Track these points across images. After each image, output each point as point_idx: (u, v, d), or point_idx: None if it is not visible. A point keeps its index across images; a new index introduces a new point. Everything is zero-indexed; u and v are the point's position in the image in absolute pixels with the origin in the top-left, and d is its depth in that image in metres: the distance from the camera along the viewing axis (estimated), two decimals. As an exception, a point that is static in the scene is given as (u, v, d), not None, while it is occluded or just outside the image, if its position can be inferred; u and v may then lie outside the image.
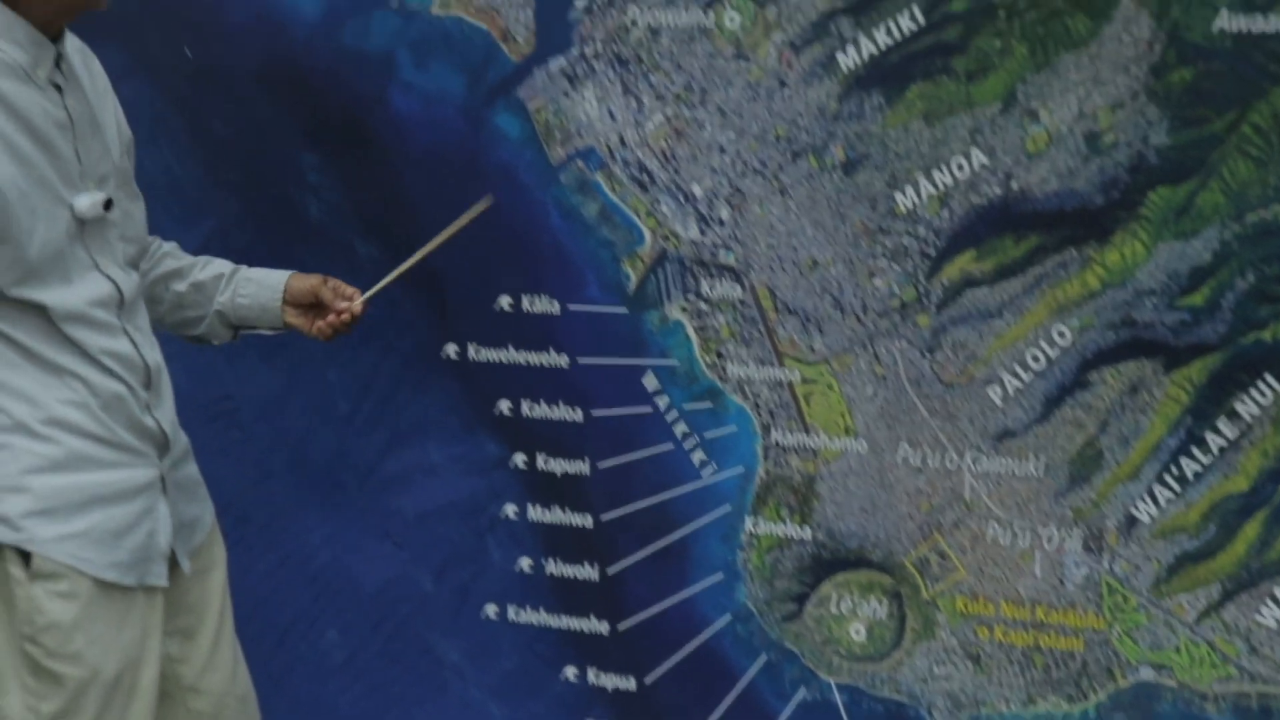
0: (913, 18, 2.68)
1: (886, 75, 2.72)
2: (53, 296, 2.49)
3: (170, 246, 2.87)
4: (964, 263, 2.75)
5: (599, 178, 2.93)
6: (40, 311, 2.49)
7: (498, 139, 2.98)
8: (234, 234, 3.17)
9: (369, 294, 2.79)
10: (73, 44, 2.63)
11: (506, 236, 3.00)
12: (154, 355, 2.67)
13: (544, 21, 2.91)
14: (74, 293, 2.52)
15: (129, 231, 2.69)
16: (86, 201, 2.54)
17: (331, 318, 2.81)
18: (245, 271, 2.85)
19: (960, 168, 2.71)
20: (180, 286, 2.83)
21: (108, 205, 2.58)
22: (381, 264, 3.04)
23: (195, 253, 3.08)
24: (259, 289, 2.84)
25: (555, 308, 3.01)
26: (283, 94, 3.08)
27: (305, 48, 3.02)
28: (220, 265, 2.86)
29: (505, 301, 3.05)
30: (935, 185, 2.73)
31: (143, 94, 3.03)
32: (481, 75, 2.96)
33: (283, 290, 2.83)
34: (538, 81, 2.93)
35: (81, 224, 2.54)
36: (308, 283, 2.82)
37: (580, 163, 2.94)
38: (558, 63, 2.91)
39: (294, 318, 2.84)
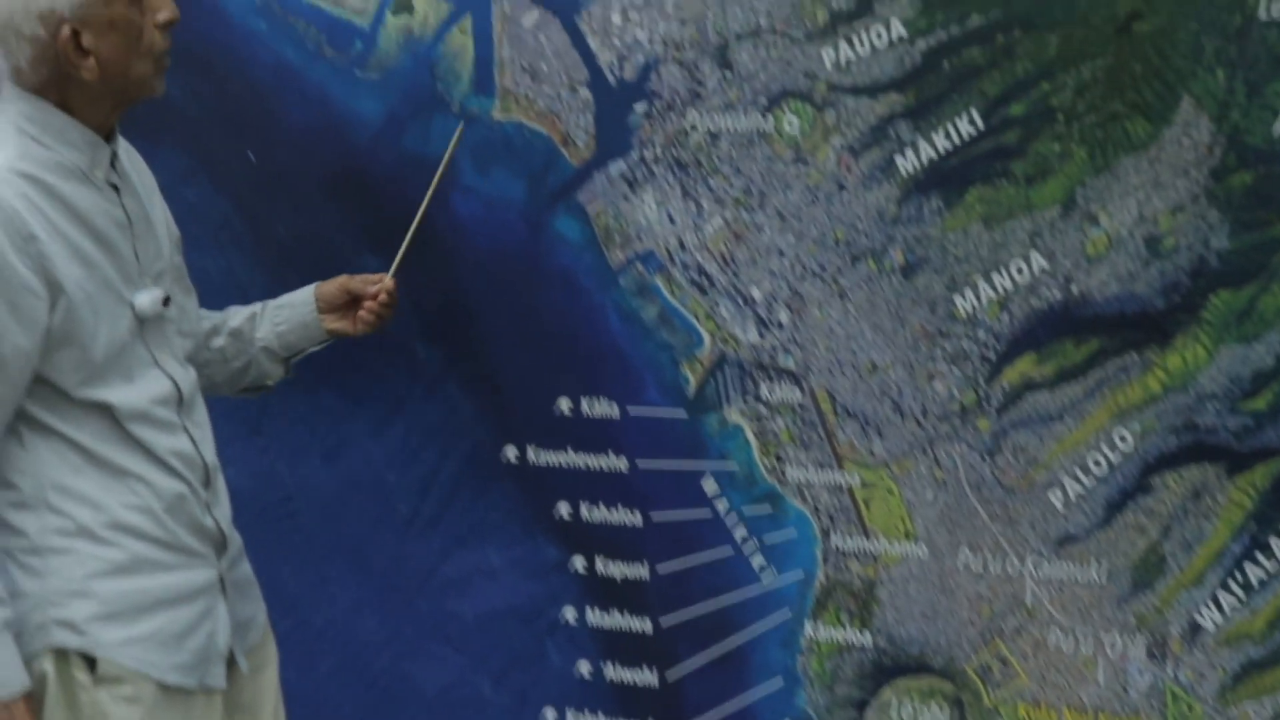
0: (972, 121, 2.69)
1: (946, 179, 2.72)
2: (117, 395, 2.51)
3: (214, 316, 2.92)
4: (1024, 366, 2.74)
5: (658, 281, 2.94)
6: (105, 412, 2.51)
7: (558, 243, 2.99)
8: (296, 337, 3.19)
9: (394, 267, 2.87)
10: (120, 142, 2.66)
11: (566, 339, 3.01)
12: (211, 454, 2.69)
13: (604, 126, 2.93)
14: (136, 391, 2.55)
15: (185, 326, 2.73)
16: (146, 299, 2.57)
17: (369, 303, 2.88)
18: (272, 302, 2.92)
19: (1020, 271, 2.71)
20: (219, 341, 2.86)
21: (166, 302, 2.61)
22: (442, 367, 3.07)
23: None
24: (292, 310, 2.89)
25: (615, 411, 3.01)
26: (345, 197, 3.11)
27: (367, 152, 3.05)
28: (246, 309, 2.92)
29: (565, 404, 3.05)
30: (995, 289, 2.73)
31: (206, 197, 3.06)
32: (542, 179, 2.98)
33: (314, 300, 2.89)
34: (597, 185, 2.95)
35: (141, 322, 2.57)
36: (334, 283, 2.90)
37: (640, 266, 2.95)
38: (617, 167, 2.93)
39: (333, 323, 2.91)
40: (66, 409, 2.50)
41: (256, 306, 2.92)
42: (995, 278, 2.72)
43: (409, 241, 2.90)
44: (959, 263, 2.74)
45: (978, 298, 2.74)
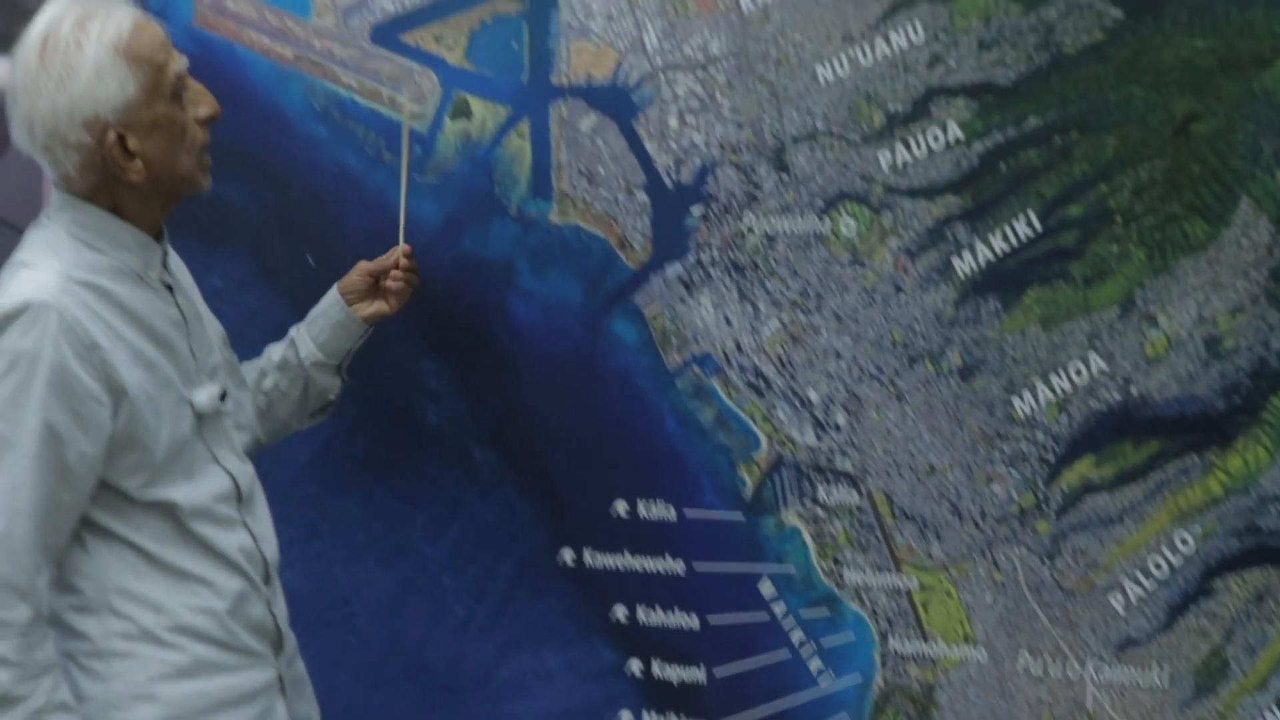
0: (1029, 223, 2.69)
1: (1003, 281, 2.73)
2: (179, 493, 2.54)
3: (259, 360, 2.98)
4: (1083, 469, 2.73)
5: (715, 383, 2.94)
6: (167, 512, 2.53)
7: (615, 345, 3.00)
8: (354, 439, 3.20)
9: (401, 234, 2.98)
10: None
11: (623, 442, 3.01)
12: (273, 550, 2.70)
13: (661, 229, 2.95)
14: (197, 488, 2.57)
15: (241, 419, 2.76)
16: (204, 396, 2.61)
17: (393, 272, 2.95)
18: (303, 322, 2.97)
19: (1079, 373, 2.70)
20: (269, 380, 2.91)
21: (223, 397, 2.64)
22: (499, 470, 3.07)
23: (314, 460, 3.13)
24: (324, 317, 2.95)
25: (671, 513, 3.01)
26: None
27: (425, 256, 3.07)
28: (281, 342, 2.98)
29: (621, 507, 3.05)
30: (1053, 390, 2.72)
31: (266, 302, 3.08)
32: (599, 282, 3.00)
33: (340, 297, 2.93)
34: (654, 288, 2.96)
35: (200, 418, 2.59)
36: (352, 273, 2.96)
37: (696, 368, 2.95)
38: (674, 269, 2.94)
39: (366, 308, 2.95)
40: (129, 512, 2.52)
41: (291, 332, 2.96)
42: (1054, 379, 2.72)
43: (404, 211, 2.99)
44: (1017, 364, 2.74)
45: (1036, 400, 2.74)
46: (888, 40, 2.75)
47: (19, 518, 2.39)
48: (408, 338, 3.13)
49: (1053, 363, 2.71)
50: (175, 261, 2.73)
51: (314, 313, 2.96)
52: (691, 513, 2.99)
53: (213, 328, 2.77)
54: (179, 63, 2.57)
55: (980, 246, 2.73)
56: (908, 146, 2.76)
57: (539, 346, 3.05)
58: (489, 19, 3.03)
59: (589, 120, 2.97)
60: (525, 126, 3.02)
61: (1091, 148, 2.64)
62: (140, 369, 2.51)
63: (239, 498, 2.65)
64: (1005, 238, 2.71)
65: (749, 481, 2.95)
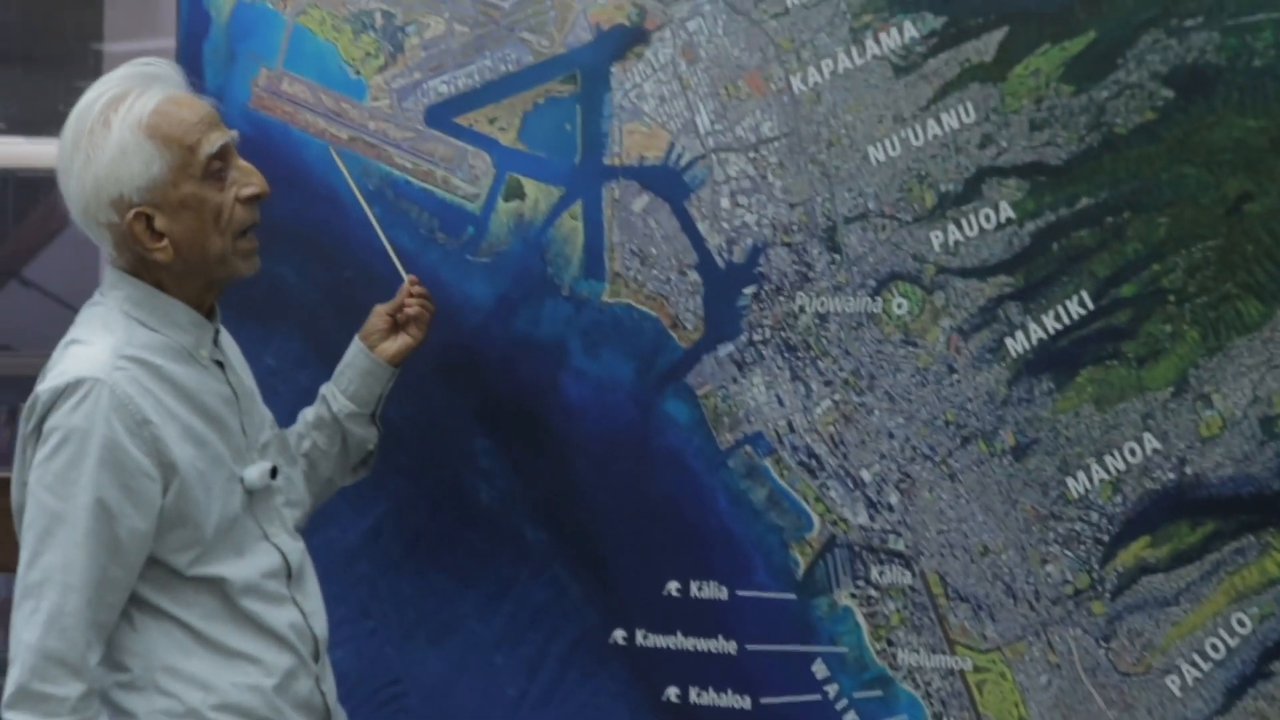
0: (1082, 303, 2.69)
1: (1056, 360, 2.72)
2: (229, 570, 2.55)
3: (298, 426, 2.98)
4: (1138, 549, 2.71)
5: (767, 463, 2.94)
6: (216, 588, 2.54)
7: (667, 424, 3.00)
8: (406, 517, 3.20)
9: (400, 269, 3.00)
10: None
11: (674, 521, 3.01)
12: (322, 627, 2.70)
13: (713, 309, 2.95)
14: (246, 565, 2.58)
15: (293, 496, 2.76)
16: (255, 472, 2.62)
17: (407, 300, 2.96)
18: (330, 380, 2.97)
19: (1133, 453, 2.69)
20: (308, 442, 2.92)
21: (274, 473, 2.64)
22: (551, 550, 3.07)
23: (366, 538, 3.14)
24: (350, 368, 2.95)
25: (723, 593, 3.00)
26: (456, 379, 3.15)
27: (478, 334, 3.09)
28: (311, 406, 2.98)
29: (673, 586, 3.04)
30: (1108, 470, 2.71)
31: (320, 380, 3.09)
32: (651, 362, 3.00)
33: (361, 344, 2.94)
34: (706, 368, 2.97)
35: (250, 495, 2.60)
36: (370, 318, 2.96)
37: (748, 448, 2.95)
38: (726, 349, 2.95)
39: (391, 347, 2.95)
40: (178, 589, 2.53)
41: (321, 390, 2.97)
42: (1108, 459, 2.71)
43: (390, 247, 3.03)
44: (1071, 444, 2.73)
45: (1090, 479, 2.73)
46: (939, 121, 2.77)
47: (71, 593, 2.40)
48: (460, 416, 3.15)
49: (1107, 442, 2.70)
50: (226, 339, 2.75)
51: (340, 366, 2.97)
52: (744, 593, 2.98)
53: (262, 406, 2.79)
54: (215, 142, 2.57)
55: (1033, 326, 2.73)
56: (959, 226, 2.76)
57: (591, 426, 3.05)
58: (542, 100, 3.06)
59: (641, 201, 2.99)
60: (578, 207, 3.04)
61: (1144, 227, 2.64)
62: (191, 445, 2.53)
63: (289, 574, 2.66)
64: (1058, 317, 2.71)
65: (801, 561, 2.94)
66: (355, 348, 2.96)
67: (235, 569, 2.56)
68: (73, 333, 2.57)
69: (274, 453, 2.74)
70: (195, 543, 2.53)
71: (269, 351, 3.26)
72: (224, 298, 2.72)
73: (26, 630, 2.41)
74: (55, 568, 2.41)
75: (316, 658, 2.68)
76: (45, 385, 2.47)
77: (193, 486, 2.51)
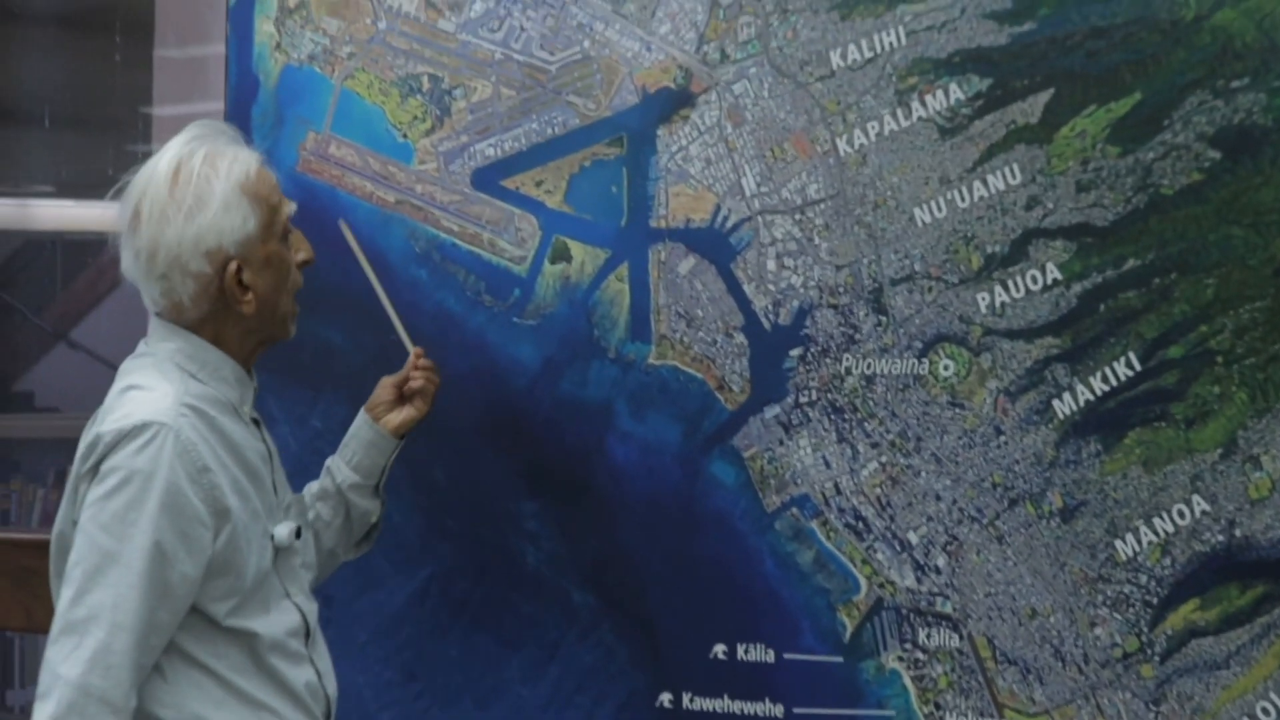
0: (1129, 364, 2.69)
1: (1104, 422, 2.72)
2: (260, 625, 2.60)
3: (305, 498, 2.98)
4: (1188, 612, 2.70)
5: (814, 525, 2.94)
6: (247, 642, 2.58)
7: (713, 486, 3.00)
8: (453, 581, 3.20)
9: (407, 341, 2.98)
10: None
11: (721, 584, 3.00)
12: (333, 687, 2.73)
13: (759, 370, 2.96)
14: (273, 621, 2.61)
15: (308, 558, 2.80)
16: (283, 531, 2.67)
17: (413, 373, 2.95)
18: (334, 455, 2.97)
19: (1181, 515, 2.68)
20: (311, 514, 2.92)
21: (299, 533, 2.68)
22: (597, 612, 3.07)
23: (412, 601, 3.13)
24: (355, 439, 2.94)
25: (770, 656, 2.99)
26: (502, 442, 3.15)
27: (525, 397, 3.10)
28: (316, 480, 2.97)
29: (720, 649, 3.03)
30: (1156, 533, 2.70)
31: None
32: (697, 424, 3.01)
33: (366, 416, 2.93)
34: (753, 430, 2.97)
35: (276, 553, 2.65)
36: (376, 390, 2.95)
37: (795, 510, 2.95)
38: (773, 411, 2.95)
39: (396, 419, 2.94)
40: (212, 638, 2.56)
41: (326, 463, 2.97)
42: (1156, 521, 2.70)
43: (397, 319, 3.00)
44: (1119, 506, 2.72)
45: (1139, 542, 2.71)
46: (985, 182, 2.77)
47: (120, 633, 2.40)
48: (506, 479, 3.15)
49: (1155, 504, 2.69)
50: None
51: (345, 438, 2.98)
52: (791, 655, 2.97)
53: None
54: (289, 207, 2.69)
55: (1080, 388, 2.72)
56: (1006, 288, 2.76)
57: (638, 488, 3.05)
58: (589, 163, 3.08)
59: (688, 263, 3.00)
60: (624, 269, 3.05)
61: (1192, 289, 2.64)
62: (237, 497, 2.57)
63: (306, 634, 2.68)
64: (1105, 379, 2.71)
65: (849, 624, 2.93)
66: (361, 419, 2.97)
67: (265, 624, 2.59)
68: (128, 379, 2.60)
69: (295, 514, 2.78)
70: (235, 592, 2.56)
71: (315, 414, 3.27)
72: (273, 360, 2.75)
73: (66, 665, 2.40)
74: (105, 606, 2.40)
75: (328, 717, 2.71)
76: (109, 426, 2.49)
77: (239, 536, 2.55)
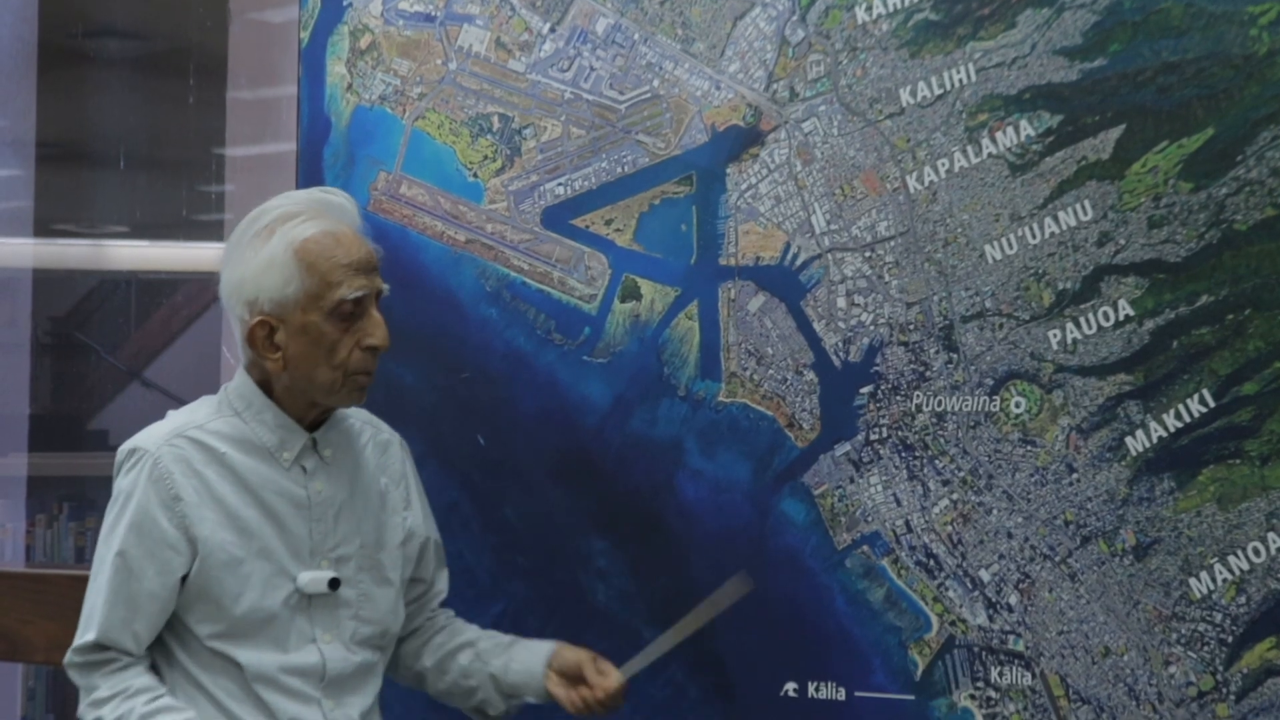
0: (1203, 401, 2.67)
1: (1177, 459, 2.70)
2: (247, 656, 2.66)
3: (472, 626, 2.96)
4: (1263, 650, 2.68)
5: (885, 563, 2.93)
6: (234, 668, 2.66)
7: (783, 524, 3.00)
8: (523, 618, 3.20)
9: (629, 668, 2.81)
10: (369, 435, 2.85)
11: (791, 622, 3.00)
12: None
13: (829, 408, 2.96)
14: (270, 658, 2.67)
15: (367, 613, 2.78)
16: (308, 578, 2.71)
17: (585, 691, 2.81)
18: (522, 641, 2.91)
19: (1257, 553, 2.66)
20: (466, 660, 2.89)
21: (334, 584, 2.69)
22: (668, 651, 3.06)
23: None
24: (529, 655, 2.87)
25: (841, 694, 2.98)
26: (573, 480, 3.16)
27: (595, 435, 3.11)
28: (500, 636, 2.93)
29: (790, 687, 3.02)
30: (1231, 570, 2.68)
31: (437, 481, 3.12)
32: (768, 462, 3.01)
33: (549, 657, 2.85)
34: (823, 467, 2.97)
35: (308, 598, 2.67)
36: (575, 656, 2.84)
37: (866, 548, 2.94)
38: (843, 449, 2.95)
39: (556, 687, 2.84)
40: (207, 659, 2.68)
41: (506, 639, 2.92)
42: (1231, 559, 2.68)
43: (646, 661, 2.85)
44: (1193, 544, 2.70)
45: (1213, 579, 2.69)
46: (1056, 219, 2.77)
47: (89, 632, 2.65)
48: (577, 517, 3.16)
49: (1230, 542, 2.67)
50: (370, 455, 2.84)
51: (532, 643, 2.90)
52: (862, 694, 2.96)
53: (380, 525, 2.80)
54: (355, 289, 2.64)
55: (1153, 424, 2.71)
56: (1078, 325, 2.76)
57: (707, 525, 3.05)
58: (658, 202, 3.09)
59: (757, 301, 3.00)
60: (694, 307, 3.05)
61: (1265, 325, 2.62)
62: (230, 531, 2.66)
63: (323, 677, 2.70)
64: (1178, 415, 2.69)
65: (920, 662, 2.92)
66: (544, 649, 2.86)
67: (254, 657, 2.66)
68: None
69: (353, 568, 2.76)
70: (217, 619, 2.66)
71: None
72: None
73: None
74: (87, 604, 2.68)
75: None
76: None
77: (216, 567, 2.65)
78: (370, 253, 2.69)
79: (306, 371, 2.66)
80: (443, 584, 2.97)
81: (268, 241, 2.63)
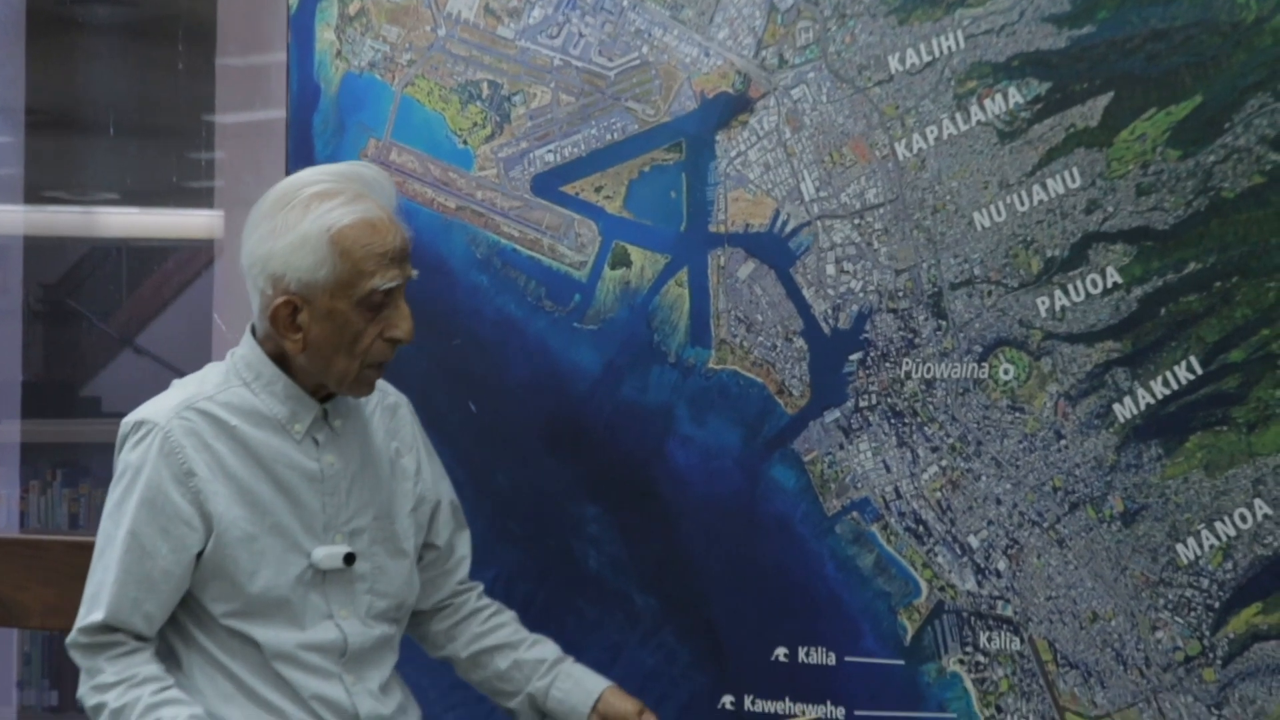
0: (1190, 368, 2.68)
1: (1165, 426, 2.71)
2: (264, 634, 2.64)
3: (508, 617, 2.95)
4: (1250, 616, 2.69)
5: (874, 529, 2.94)
6: (252, 646, 2.64)
7: (773, 490, 3.01)
8: (515, 584, 3.22)
9: None
10: (376, 400, 2.80)
11: (782, 588, 3.01)
12: (369, 707, 2.70)
13: (818, 375, 2.96)
14: (291, 635, 2.65)
15: (382, 587, 2.76)
16: (323, 553, 2.67)
17: None
18: (568, 666, 2.89)
19: (1243, 519, 2.67)
20: (503, 664, 2.88)
21: (349, 559, 2.67)
22: (659, 616, 3.08)
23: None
24: (575, 688, 2.85)
25: (831, 659, 3.00)
26: (564, 447, 3.17)
27: (586, 402, 3.12)
28: (547, 649, 2.91)
29: (781, 652, 3.04)
30: (1218, 536, 2.69)
31: (436, 445, 3.13)
32: (757, 428, 3.01)
33: (596, 698, 2.84)
34: (813, 434, 2.97)
35: (322, 573, 2.65)
36: (625, 705, 2.83)
37: (856, 514, 2.95)
38: (833, 415, 2.96)
39: None
40: (222, 636, 2.65)
41: (552, 654, 2.91)
42: (1218, 525, 2.69)
43: None
44: (1180, 510, 2.71)
45: (1200, 545, 2.71)
46: (1045, 186, 2.77)
47: (96, 612, 2.60)
48: (568, 484, 3.17)
49: (1217, 508, 2.69)
50: (379, 422, 2.82)
51: (579, 674, 2.88)
52: (852, 659, 2.98)
53: (393, 494, 2.81)
54: (388, 279, 2.62)
55: (1141, 391, 2.72)
56: (1066, 292, 2.76)
57: (698, 492, 3.06)
58: (648, 169, 3.09)
59: (747, 268, 3.01)
60: (684, 274, 3.06)
61: (1253, 292, 2.63)
62: (243, 507, 2.63)
63: (343, 653, 2.69)
64: (1166, 383, 2.70)
65: (909, 627, 2.93)
66: (592, 687, 2.85)
67: (271, 635, 2.64)
68: (190, 375, 2.75)
69: (367, 541, 2.76)
70: (232, 598, 2.63)
71: (379, 419, 3.29)
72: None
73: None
74: (94, 582, 2.62)
75: None
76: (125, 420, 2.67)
77: (231, 544, 2.61)
78: (405, 240, 2.65)
79: (326, 356, 2.62)
80: (465, 548, 2.95)
81: (303, 218, 2.58)
